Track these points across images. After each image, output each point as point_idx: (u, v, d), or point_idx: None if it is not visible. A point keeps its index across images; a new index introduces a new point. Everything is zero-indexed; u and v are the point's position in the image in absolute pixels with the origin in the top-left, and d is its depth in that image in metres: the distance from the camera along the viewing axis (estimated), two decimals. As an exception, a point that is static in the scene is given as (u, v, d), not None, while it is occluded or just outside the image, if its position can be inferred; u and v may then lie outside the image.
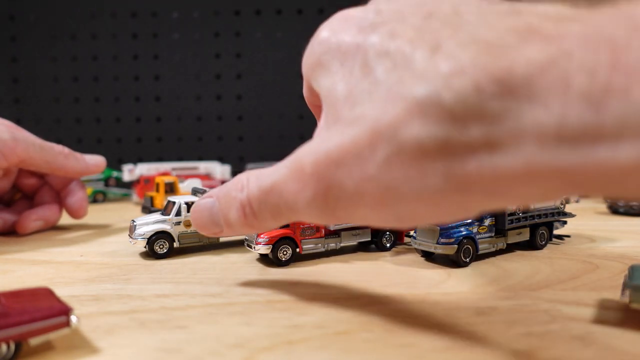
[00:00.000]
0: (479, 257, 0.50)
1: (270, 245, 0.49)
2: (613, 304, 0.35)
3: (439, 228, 0.49)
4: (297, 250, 0.52)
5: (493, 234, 0.52)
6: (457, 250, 0.48)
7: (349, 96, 0.24)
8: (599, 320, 0.32)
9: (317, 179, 0.25)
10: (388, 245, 0.56)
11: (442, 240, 0.48)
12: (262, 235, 0.50)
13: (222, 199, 0.34)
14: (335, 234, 0.55)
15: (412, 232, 0.53)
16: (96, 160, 0.71)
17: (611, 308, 0.35)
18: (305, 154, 0.26)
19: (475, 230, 0.50)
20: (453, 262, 0.49)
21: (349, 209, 0.25)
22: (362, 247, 0.58)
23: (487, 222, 0.51)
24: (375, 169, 0.22)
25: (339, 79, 0.25)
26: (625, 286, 0.32)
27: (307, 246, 0.52)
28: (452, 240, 0.48)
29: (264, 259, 0.53)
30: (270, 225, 0.32)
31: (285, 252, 0.50)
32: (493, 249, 0.52)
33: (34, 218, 0.67)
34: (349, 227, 0.55)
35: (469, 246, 0.49)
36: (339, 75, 0.25)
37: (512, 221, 0.52)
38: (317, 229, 0.53)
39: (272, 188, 0.30)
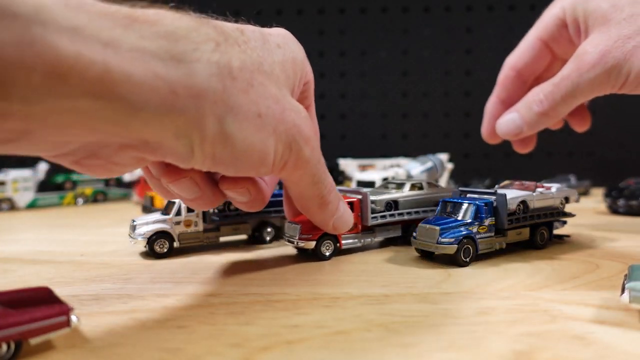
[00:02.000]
0: (479, 256, 0.50)
1: (314, 241, 0.50)
2: (613, 304, 0.35)
3: (439, 228, 0.49)
4: (338, 245, 0.53)
5: (493, 234, 0.52)
6: (457, 250, 0.48)
7: (615, 5, 0.45)
8: (599, 320, 0.32)
9: (606, 59, 0.45)
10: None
11: (442, 239, 0.48)
12: (305, 232, 0.51)
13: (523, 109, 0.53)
14: (371, 229, 0.56)
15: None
16: (343, 222, 0.44)
17: (611, 308, 0.35)
18: (588, 49, 0.47)
19: (475, 230, 0.50)
20: (453, 261, 0.49)
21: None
22: (392, 242, 0.59)
23: (487, 222, 0.51)
24: None
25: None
26: (625, 286, 0.32)
27: (347, 241, 0.54)
28: (452, 240, 0.48)
29: (302, 254, 0.54)
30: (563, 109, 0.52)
31: (328, 247, 0.52)
32: (493, 249, 0.52)
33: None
34: (383, 222, 0.56)
35: (469, 246, 0.49)
36: None
37: (511, 221, 0.52)
38: (355, 225, 0.54)
39: (570, 89, 0.49)
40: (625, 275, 0.34)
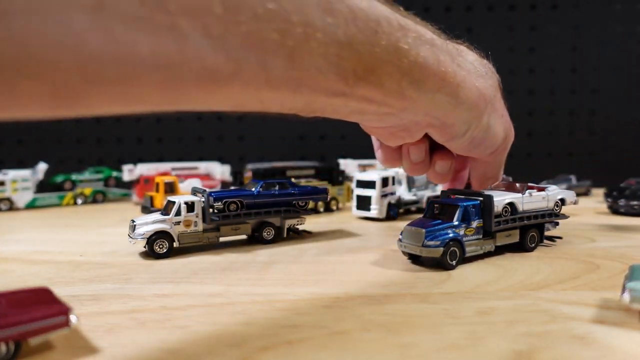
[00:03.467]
0: (466, 259, 0.50)
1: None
2: (613, 304, 0.35)
3: (424, 230, 0.48)
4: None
5: (481, 236, 0.51)
6: (443, 253, 0.47)
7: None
8: (599, 320, 0.32)
9: None
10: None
11: (428, 242, 0.47)
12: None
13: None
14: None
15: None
16: None
17: (611, 308, 0.35)
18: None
19: (462, 232, 0.49)
20: (439, 264, 0.48)
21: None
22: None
23: (474, 224, 0.50)
24: None
25: None
26: (625, 286, 0.32)
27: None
28: (438, 242, 0.47)
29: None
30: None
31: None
32: (481, 252, 0.51)
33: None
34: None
35: (456, 249, 0.48)
36: None
37: (499, 223, 0.51)
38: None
39: None
40: (626, 276, 0.34)
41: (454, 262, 0.48)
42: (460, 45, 0.41)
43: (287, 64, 0.24)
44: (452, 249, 0.48)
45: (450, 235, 0.48)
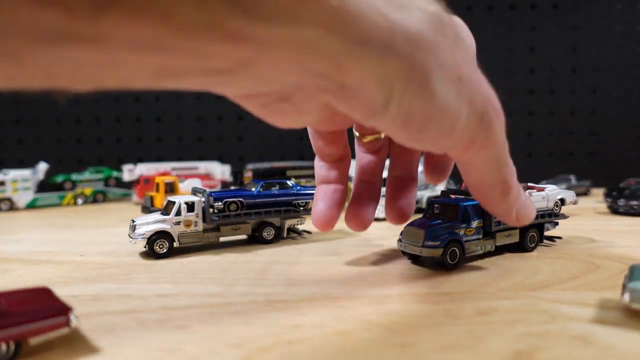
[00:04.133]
0: (466, 259, 0.50)
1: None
2: (613, 304, 0.35)
3: (424, 231, 0.47)
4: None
5: (481, 236, 0.51)
6: (443, 253, 0.47)
7: None
8: (599, 320, 0.32)
9: None
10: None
11: (428, 242, 0.47)
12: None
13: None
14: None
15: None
16: (527, 211, 0.38)
17: (611, 308, 0.35)
18: None
19: (462, 232, 0.49)
20: (439, 264, 0.48)
21: None
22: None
23: (474, 223, 0.50)
24: None
25: None
26: (625, 286, 0.32)
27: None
28: (438, 242, 0.47)
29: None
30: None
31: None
32: (481, 251, 0.51)
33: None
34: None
35: (456, 249, 0.48)
36: None
37: (499, 223, 0.51)
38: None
39: None
40: (626, 276, 0.34)
41: (454, 262, 0.48)
42: None
43: None
44: (452, 249, 0.48)
45: (450, 235, 0.48)
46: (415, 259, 0.51)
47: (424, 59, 0.24)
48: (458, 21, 0.31)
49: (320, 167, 0.37)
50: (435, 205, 0.53)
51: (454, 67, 0.27)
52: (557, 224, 0.61)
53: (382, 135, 0.37)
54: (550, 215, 0.57)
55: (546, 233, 0.58)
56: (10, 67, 0.16)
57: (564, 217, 0.59)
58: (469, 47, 0.30)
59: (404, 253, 0.51)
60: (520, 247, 0.55)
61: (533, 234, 0.55)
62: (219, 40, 0.18)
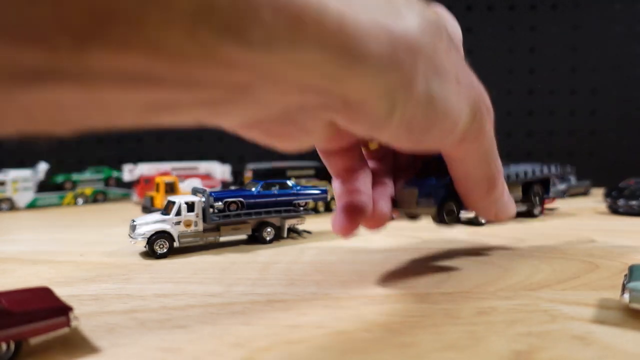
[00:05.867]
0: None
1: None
2: (613, 304, 0.35)
3: (417, 190, 0.43)
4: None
5: None
6: (438, 211, 0.42)
7: None
8: (599, 320, 0.32)
9: None
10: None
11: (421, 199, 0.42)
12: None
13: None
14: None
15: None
16: (507, 209, 0.40)
17: (611, 308, 0.35)
18: None
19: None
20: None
21: None
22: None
23: None
24: None
25: None
26: (625, 286, 0.32)
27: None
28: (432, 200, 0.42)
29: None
30: None
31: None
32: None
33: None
34: None
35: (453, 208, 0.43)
36: None
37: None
38: None
39: None
40: (626, 276, 0.34)
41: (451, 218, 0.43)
42: None
43: None
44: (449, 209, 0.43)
45: (444, 192, 0.42)
46: (413, 218, 0.47)
47: (424, 66, 0.24)
48: (445, 14, 0.31)
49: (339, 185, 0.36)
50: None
51: (451, 69, 0.27)
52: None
53: None
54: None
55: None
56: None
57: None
58: (459, 43, 0.31)
59: (401, 214, 0.46)
60: (528, 214, 0.56)
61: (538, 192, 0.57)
62: (213, 68, 0.17)
